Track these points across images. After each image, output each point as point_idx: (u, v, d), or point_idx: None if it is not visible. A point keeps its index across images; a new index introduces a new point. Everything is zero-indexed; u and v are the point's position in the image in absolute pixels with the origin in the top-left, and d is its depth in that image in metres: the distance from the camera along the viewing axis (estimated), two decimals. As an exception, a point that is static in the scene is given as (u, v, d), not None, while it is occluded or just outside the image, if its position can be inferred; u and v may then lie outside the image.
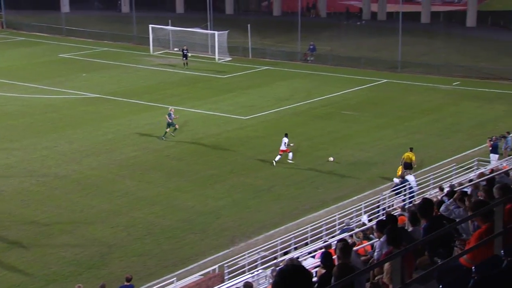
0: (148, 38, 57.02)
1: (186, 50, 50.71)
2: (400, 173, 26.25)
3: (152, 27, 56.89)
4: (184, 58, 50.39)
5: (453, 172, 26.23)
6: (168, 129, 33.06)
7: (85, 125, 35.79)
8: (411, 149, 28.20)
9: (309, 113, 38.16)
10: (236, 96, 42.11)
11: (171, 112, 33.22)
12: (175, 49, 50.76)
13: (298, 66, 51.62)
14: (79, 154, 31.26)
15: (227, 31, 54.38)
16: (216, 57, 53.27)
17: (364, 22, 70.51)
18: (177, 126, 33.25)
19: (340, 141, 33.10)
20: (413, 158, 27.62)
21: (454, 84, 44.76)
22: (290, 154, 29.75)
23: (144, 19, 63.57)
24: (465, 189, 14.29)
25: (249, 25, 55.24)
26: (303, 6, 69.38)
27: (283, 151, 29.66)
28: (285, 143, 29.61)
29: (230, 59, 53.61)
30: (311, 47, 53.49)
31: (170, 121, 32.94)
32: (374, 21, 71.66)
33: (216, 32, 53.61)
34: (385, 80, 46.31)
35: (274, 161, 29.43)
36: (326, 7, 76.41)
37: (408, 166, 27.07)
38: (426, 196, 22.85)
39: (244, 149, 31.98)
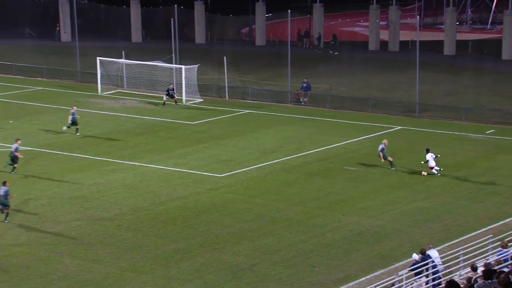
0: (95, 74, 57.38)
1: (172, 90, 52.57)
2: None
3: (101, 61, 57.34)
4: (169, 97, 52.13)
5: (489, 247, 26.30)
6: (386, 158, 37.58)
7: (10, 186, 35.49)
8: None
9: (302, 169, 38.29)
10: (208, 148, 42.25)
11: (384, 145, 37.83)
12: (165, 97, 52.60)
13: (288, 110, 52.07)
14: (1, 225, 30.92)
15: (197, 66, 54.92)
16: (184, 98, 53.68)
17: (337, 53, 71.96)
18: (389, 158, 37.57)
19: (343, 205, 33.16)
20: None
21: (487, 132, 45.33)
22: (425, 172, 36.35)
23: (90, 50, 64.03)
24: (505, 269, 14.35)
25: (225, 57, 55.88)
26: (294, 34, 70.61)
27: (432, 167, 36.38)
28: (433, 157, 36.50)
29: (201, 100, 54.02)
30: (305, 85, 54.11)
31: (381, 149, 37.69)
32: (384, 52, 72.89)
33: (183, 67, 54.16)
34: (399, 127, 46.80)
35: (435, 173, 36.50)
36: (324, 35, 77.73)
37: None
38: (455, 277, 22.87)
39: (219, 216, 31.91)
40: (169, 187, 35.50)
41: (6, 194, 31.13)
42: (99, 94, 56.34)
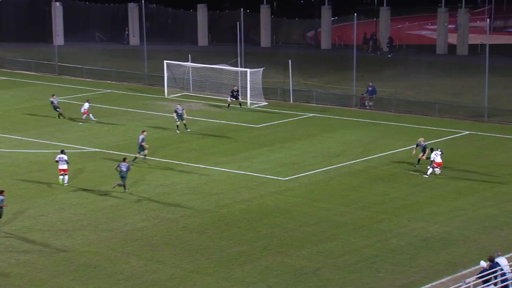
0: (162, 77, 58.13)
1: (237, 91, 53.05)
2: None
3: (168, 64, 58.05)
4: (233, 99, 52.61)
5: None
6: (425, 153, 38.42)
7: (80, 187, 36.24)
8: None
9: (367, 173, 38.06)
10: (272, 151, 42.34)
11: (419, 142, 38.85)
12: (229, 99, 53.15)
13: (352, 113, 51.81)
14: (71, 225, 31.55)
15: (262, 69, 55.12)
16: (248, 101, 53.92)
17: (391, 55, 71.42)
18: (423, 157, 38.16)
19: (408, 210, 32.83)
20: None
21: (558, 137, 44.40)
22: (437, 170, 36.62)
23: (158, 53, 64.93)
24: None
25: (290, 61, 55.93)
26: (359, 38, 70.24)
27: (438, 163, 36.42)
28: (439, 154, 36.68)
29: (266, 103, 54.17)
30: (370, 89, 53.81)
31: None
32: (452, 56, 71.94)
33: (248, 70, 54.44)
34: (467, 132, 46.14)
35: (427, 174, 36.67)
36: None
37: None
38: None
39: (283, 219, 31.93)
40: (233, 189, 35.69)
41: (127, 169, 34.95)
42: (166, 96, 57.02)
